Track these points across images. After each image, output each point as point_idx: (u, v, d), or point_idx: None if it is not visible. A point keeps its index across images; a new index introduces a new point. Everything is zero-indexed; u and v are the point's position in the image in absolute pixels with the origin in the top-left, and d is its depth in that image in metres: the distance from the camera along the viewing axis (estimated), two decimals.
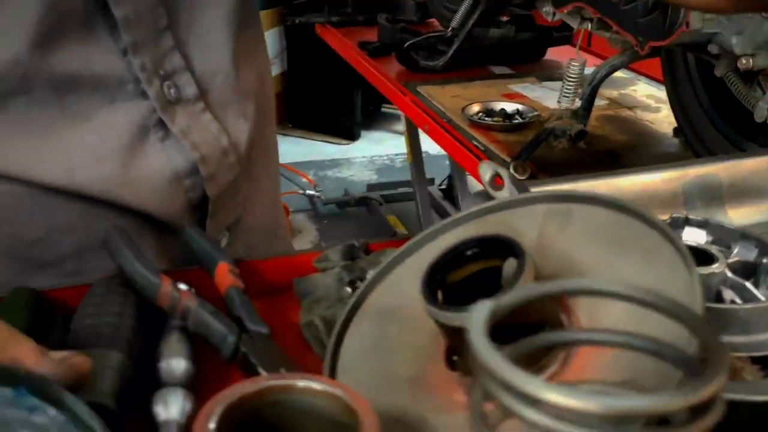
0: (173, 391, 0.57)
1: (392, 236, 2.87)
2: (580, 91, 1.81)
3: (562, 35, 2.32)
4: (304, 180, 3.52)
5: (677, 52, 1.60)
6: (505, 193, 0.73)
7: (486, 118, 1.89)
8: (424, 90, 2.08)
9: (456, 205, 2.82)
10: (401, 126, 3.94)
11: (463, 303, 0.55)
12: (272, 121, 0.98)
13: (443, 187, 3.19)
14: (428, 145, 2.88)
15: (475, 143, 1.78)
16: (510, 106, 1.95)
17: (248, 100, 0.87)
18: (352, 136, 3.97)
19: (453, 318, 0.54)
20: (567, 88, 1.82)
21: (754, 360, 0.60)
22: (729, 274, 0.69)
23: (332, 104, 3.85)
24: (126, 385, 0.57)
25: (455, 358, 0.58)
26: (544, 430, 0.31)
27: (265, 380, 0.51)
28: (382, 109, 4.13)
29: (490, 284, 0.59)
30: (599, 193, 0.62)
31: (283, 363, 0.60)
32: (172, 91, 0.78)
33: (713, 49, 1.41)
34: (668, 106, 1.93)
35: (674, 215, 0.75)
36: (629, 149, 1.73)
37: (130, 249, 0.63)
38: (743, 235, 0.73)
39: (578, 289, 0.39)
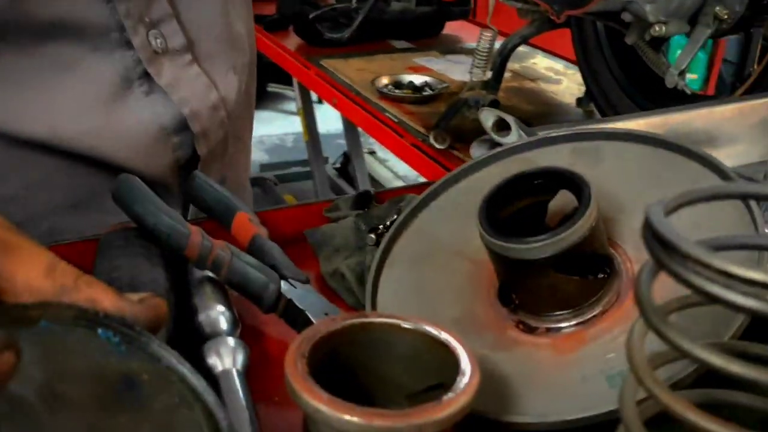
0: (223, 341, 0.54)
1: None
2: (490, 62, 1.85)
3: (461, 10, 2.35)
4: None
5: (587, 21, 1.66)
6: (513, 137, 0.72)
7: (396, 90, 1.89)
8: (327, 64, 2.05)
9: (352, 183, 2.81)
10: (290, 105, 3.88)
11: (511, 234, 0.54)
12: (255, 77, 0.94)
13: (338, 166, 3.17)
14: (321, 125, 2.85)
15: (388, 115, 1.77)
16: (418, 79, 1.96)
17: (237, 52, 0.83)
18: None
19: (520, 250, 0.53)
20: (479, 60, 1.84)
21: None
22: None
23: None
24: (170, 337, 0.53)
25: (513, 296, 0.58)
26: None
27: (347, 318, 0.48)
28: (269, 89, 4.06)
29: (533, 221, 0.59)
30: (630, 128, 0.63)
31: (328, 309, 0.57)
32: (158, 41, 0.73)
33: (626, 17, 1.46)
34: (567, 77, 2.00)
35: None
36: (539, 118, 1.77)
37: (150, 198, 0.58)
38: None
39: (745, 192, 0.38)
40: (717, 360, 0.34)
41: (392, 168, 3.21)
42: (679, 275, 0.33)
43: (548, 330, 0.56)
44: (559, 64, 2.13)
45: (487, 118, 0.74)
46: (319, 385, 0.42)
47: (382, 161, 3.26)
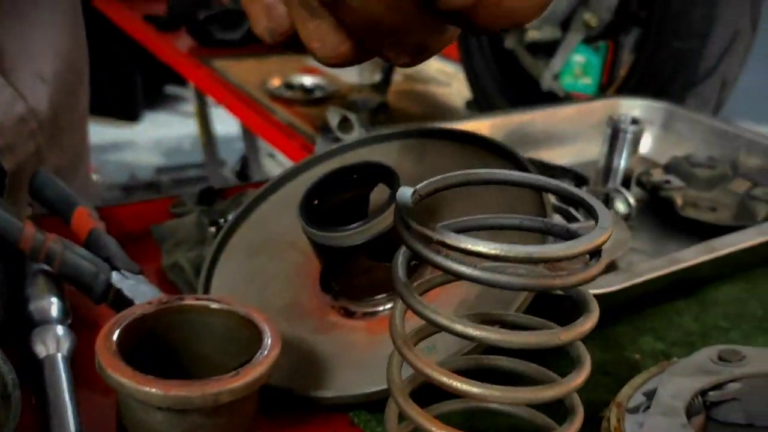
0: (50, 328, 0.56)
1: None
2: (379, 65, 1.90)
3: None
4: None
5: None
6: (355, 135, 0.76)
7: (287, 92, 1.92)
8: (220, 65, 2.06)
9: None
10: (188, 107, 3.85)
11: (334, 224, 0.58)
12: (85, 82, 0.92)
13: (237, 169, 3.16)
14: (219, 127, 2.85)
15: (279, 117, 1.79)
16: (309, 80, 1.99)
17: (45, 59, 0.79)
18: (133, 116, 3.81)
19: (334, 237, 0.57)
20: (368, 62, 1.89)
21: None
22: (555, 201, 0.78)
23: (111, 83, 3.67)
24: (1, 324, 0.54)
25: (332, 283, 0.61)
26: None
27: (162, 301, 0.51)
28: (166, 90, 4.01)
29: (356, 208, 0.63)
30: (450, 127, 0.68)
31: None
32: None
33: None
34: (458, 80, 2.06)
35: None
36: (427, 120, 1.83)
37: None
38: (563, 169, 0.82)
39: (494, 179, 0.43)
40: (458, 326, 0.38)
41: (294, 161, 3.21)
42: (414, 250, 0.37)
43: (365, 314, 0.59)
44: (450, 67, 2.19)
45: (333, 116, 0.78)
46: (127, 363, 0.45)
47: (282, 164, 3.26)
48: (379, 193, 0.62)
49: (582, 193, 0.41)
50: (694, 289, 0.70)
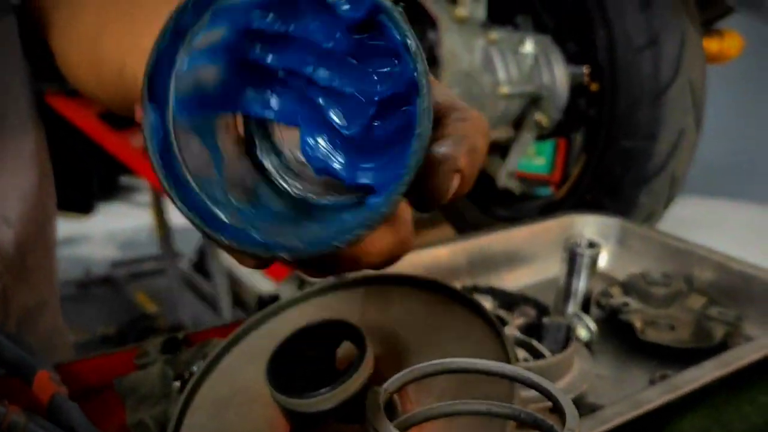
0: None
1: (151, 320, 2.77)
2: None
3: None
4: None
5: None
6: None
7: None
8: None
9: (209, 278, 2.79)
10: (143, 197, 3.82)
11: (301, 385, 0.58)
12: (52, 213, 0.91)
13: (194, 261, 3.13)
14: (175, 217, 2.83)
15: None
16: None
17: (11, 204, 0.78)
18: (87, 209, 3.77)
19: (302, 404, 0.57)
20: None
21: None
22: (518, 334, 0.79)
23: (64, 177, 3.65)
24: None
25: None
26: None
27: None
28: (121, 180, 3.99)
29: (323, 364, 0.63)
30: (413, 274, 0.68)
31: None
32: None
33: None
34: None
35: (464, 284, 0.83)
36: None
37: None
38: (524, 298, 0.84)
39: (459, 367, 0.44)
40: None
41: None
42: None
43: None
44: None
45: None
46: None
47: None
48: (346, 349, 0.63)
49: (548, 384, 0.42)
50: (660, 422, 0.71)
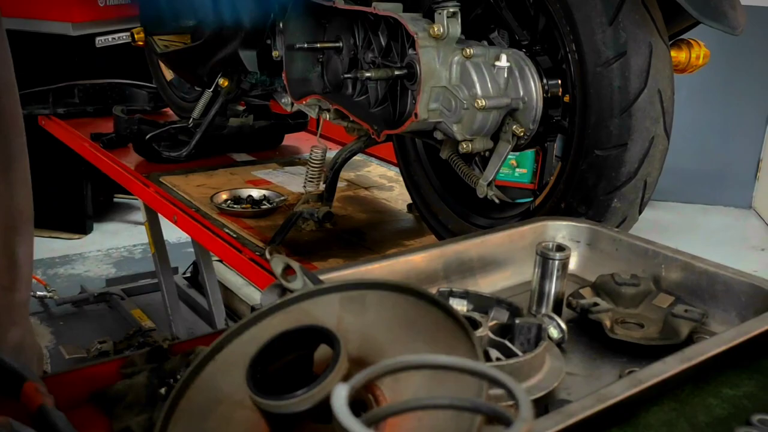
0: None
1: (143, 333, 2.79)
2: (323, 175, 1.95)
3: (297, 122, 2.46)
4: (33, 281, 3.30)
5: (406, 137, 1.78)
6: (299, 283, 0.80)
7: (234, 206, 1.95)
8: (167, 180, 2.09)
9: (203, 292, 2.82)
10: (138, 216, 3.86)
11: (280, 388, 0.61)
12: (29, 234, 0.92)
13: (188, 275, 3.17)
14: (169, 233, 2.86)
15: (227, 231, 1.83)
16: (257, 192, 2.03)
17: None
18: (83, 229, 3.81)
19: (279, 406, 0.60)
20: (311, 173, 1.95)
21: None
22: (491, 335, 0.82)
23: (58, 197, 3.69)
24: None
25: None
26: None
27: None
28: (115, 199, 4.03)
29: (301, 368, 0.66)
30: (387, 279, 0.72)
31: None
32: None
33: (438, 135, 1.59)
34: (400, 184, 2.12)
35: (440, 289, 0.87)
36: (372, 226, 1.88)
37: None
38: (497, 301, 0.87)
39: (421, 363, 0.47)
40: None
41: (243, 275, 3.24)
42: None
43: None
44: (392, 171, 2.26)
45: (277, 264, 0.81)
46: None
47: (232, 268, 3.29)
48: (323, 353, 0.66)
49: (504, 378, 0.45)
50: (627, 416, 0.74)
